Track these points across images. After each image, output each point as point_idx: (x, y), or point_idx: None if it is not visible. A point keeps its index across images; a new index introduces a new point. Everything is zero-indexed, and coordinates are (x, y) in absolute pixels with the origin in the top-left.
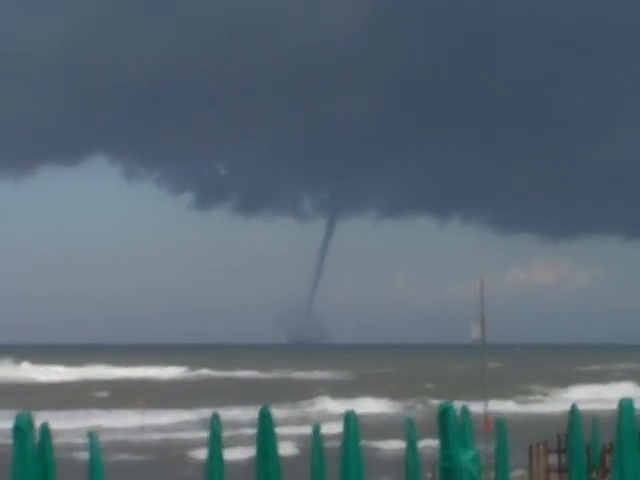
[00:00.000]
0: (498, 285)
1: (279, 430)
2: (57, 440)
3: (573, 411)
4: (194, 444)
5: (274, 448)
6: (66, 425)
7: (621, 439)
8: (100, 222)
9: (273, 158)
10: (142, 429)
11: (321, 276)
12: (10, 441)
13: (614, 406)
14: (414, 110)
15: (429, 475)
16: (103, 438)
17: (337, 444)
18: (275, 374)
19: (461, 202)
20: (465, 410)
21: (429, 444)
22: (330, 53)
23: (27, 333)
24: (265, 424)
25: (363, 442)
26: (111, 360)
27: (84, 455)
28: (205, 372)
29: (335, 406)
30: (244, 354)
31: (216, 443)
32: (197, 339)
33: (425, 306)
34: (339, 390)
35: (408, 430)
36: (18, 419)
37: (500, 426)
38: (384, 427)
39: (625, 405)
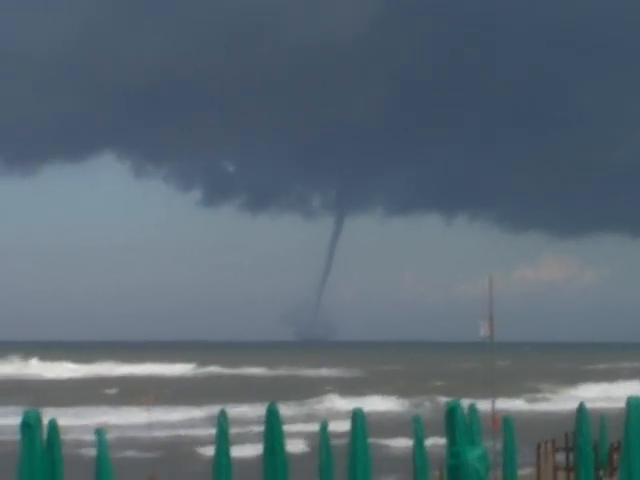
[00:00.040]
0: (506, 283)
1: (287, 427)
2: (65, 436)
3: (581, 409)
4: (203, 441)
5: (282, 445)
6: (74, 422)
7: (629, 437)
8: (108, 219)
9: (280, 157)
10: (150, 426)
11: (330, 273)
12: (18, 437)
13: (622, 404)
14: (414, 110)
15: (436, 473)
16: (111, 435)
17: (345, 442)
18: (283, 371)
19: (468, 200)
20: (473, 408)
21: (437, 442)
22: (330, 53)
23: (36, 330)
24: (273, 421)
25: (371, 440)
26: (120, 357)
27: (92, 451)
28: (213, 369)
29: (343, 403)
30: (252, 351)
31: (223, 440)
32: (205, 336)
33: (433, 304)
34: (347, 387)
35: (415, 428)
36: (26, 415)
37: (508, 424)
38: (392, 425)
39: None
